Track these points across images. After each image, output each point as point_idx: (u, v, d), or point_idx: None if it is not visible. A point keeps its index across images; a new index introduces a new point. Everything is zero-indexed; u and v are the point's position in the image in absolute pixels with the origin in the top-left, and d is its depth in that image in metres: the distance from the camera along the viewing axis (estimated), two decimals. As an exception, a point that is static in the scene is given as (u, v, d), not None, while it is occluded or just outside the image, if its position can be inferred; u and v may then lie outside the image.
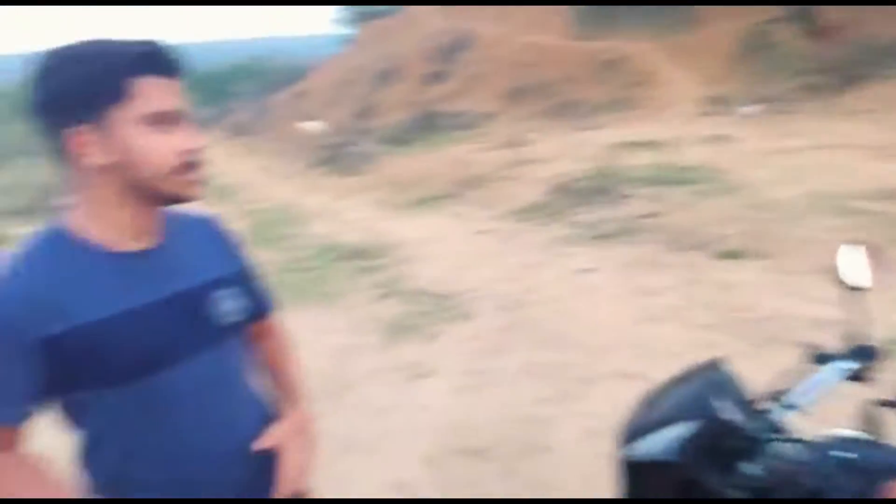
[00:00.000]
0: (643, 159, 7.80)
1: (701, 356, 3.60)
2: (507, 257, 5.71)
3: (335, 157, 12.03)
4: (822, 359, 1.29)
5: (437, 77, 15.33)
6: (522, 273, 5.23)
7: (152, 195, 0.94)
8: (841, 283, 1.37)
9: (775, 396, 1.30)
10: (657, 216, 5.86)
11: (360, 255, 6.14)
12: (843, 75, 9.69)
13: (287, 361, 1.26)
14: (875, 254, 1.40)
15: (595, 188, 6.99)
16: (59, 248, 0.92)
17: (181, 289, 0.99)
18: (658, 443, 1.21)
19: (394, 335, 4.28)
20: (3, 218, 9.50)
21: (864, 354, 1.27)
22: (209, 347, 1.01)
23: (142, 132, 0.90)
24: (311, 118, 15.20)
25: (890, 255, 4.27)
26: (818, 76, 9.97)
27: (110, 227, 0.94)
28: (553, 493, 2.65)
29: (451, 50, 15.57)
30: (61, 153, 0.92)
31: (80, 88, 0.88)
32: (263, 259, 1.12)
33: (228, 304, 1.06)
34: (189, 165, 0.93)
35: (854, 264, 1.38)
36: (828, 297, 4.07)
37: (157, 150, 0.90)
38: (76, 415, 0.96)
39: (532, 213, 6.98)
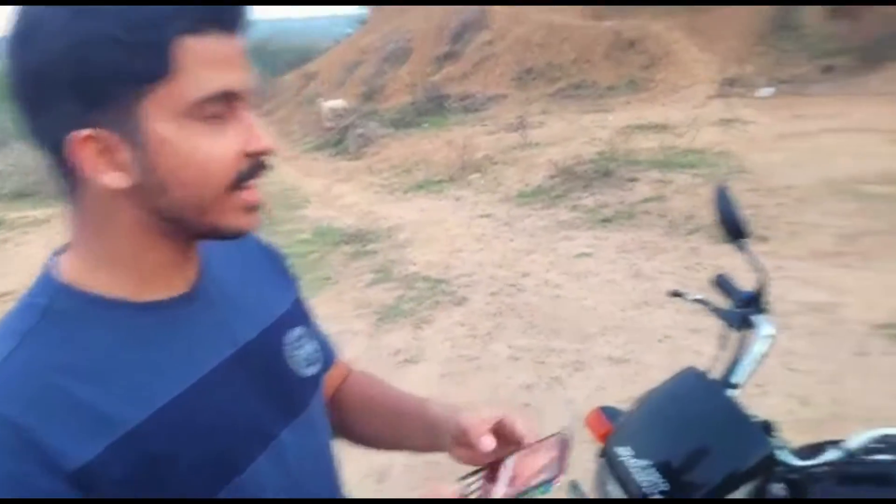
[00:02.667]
0: (651, 142, 7.61)
1: (692, 341, 3.47)
2: (505, 241, 5.61)
3: (339, 139, 11.94)
4: (735, 319, 1.33)
5: (447, 58, 15.12)
6: (519, 257, 5.13)
7: (194, 229, 0.61)
8: (722, 232, 1.36)
9: (730, 384, 1.27)
10: (660, 200, 5.71)
11: (357, 240, 6.06)
12: (864, 57, 9.37)
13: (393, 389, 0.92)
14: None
15: (600, 171, 6.83)
16: (63, 315, 0.59)
17: (247, 338, 0.68)
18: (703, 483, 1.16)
19: (385, 320, 4.21)
20: (2, 202, 9.56)
21: (753, 300, 1.35)
22: (299, 412, 0.72)
23: (189, 130, 0.56)
24: (320, 99, 15.09)
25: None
26: (839, 57, 9.66)
27: (132, 273, 0.61)
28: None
29: (465, 29, 15.33)
30: (57, 166, 0.58)
31: (87, 63, 0.53)
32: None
33: (307, 348, 0.76)
34: (253, 173, 0.61)
35: (731, 211, 1.34)
36: (822, 280, 3.93)
37: (212, 156, 0.57)
38: None
39: (535, 196, 6.85)
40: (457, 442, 0.74)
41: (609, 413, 1.47)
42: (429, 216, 6.76)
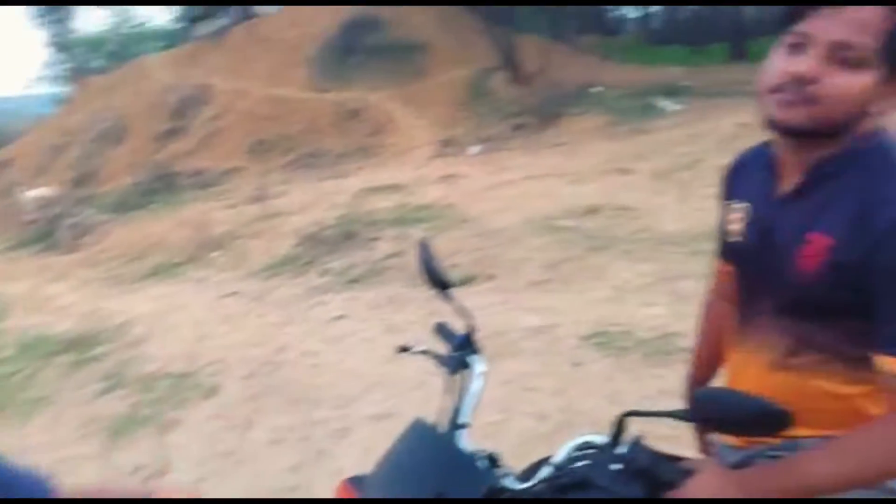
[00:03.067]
0: (386, 203, 8.11)
1: (440, 384, 3.70)
2: (256, 318, 5.39)
3: (48, 232, 10.36)
4: (453, 363, 1.39)
5: (171, 134, 14.28)
6: (273, 332, 4.97)
7: None
8: (427, 284, 1.46)
9: (459, 425, 1.35)
10: (401, 255, 6.09)
11: (77, 346, 5.25)
12: (542, 115, 11.36)
13: None
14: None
15: (343, 235, 7.04)
16: None
17: None
18: None
19: (120, 434, 3.68)
20: None
21: (465, 343, 1.42)
22: None
23: None
24: (19, 189, 12.95)
25: (587, 262, 4.85)
26: (524, 117, 11.54)
27: None
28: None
29: (185, 105, 14.68)
30: None
31: None
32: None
33: None
34: None
35: (432, 264, 1.45)
36: (539, 306, 4.55)
37: None
38: None
39: (282, 267, 6.74)
40: None
41: (356, 483, 1.47)
42: (167, 304, 6.18)
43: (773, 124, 1.00)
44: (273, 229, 8.13)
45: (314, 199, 9.21)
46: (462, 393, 1.39)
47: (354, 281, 5.82)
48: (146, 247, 8.76)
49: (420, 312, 4.76)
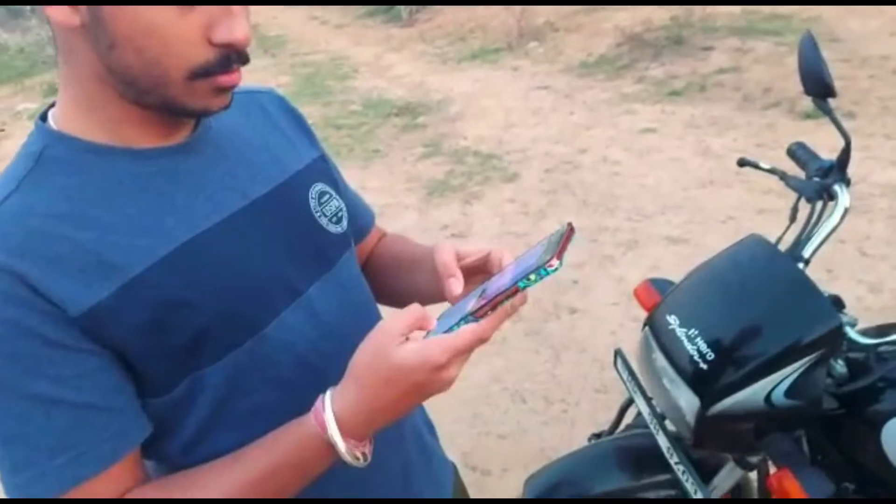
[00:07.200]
0: (731, 6, 6.85)
1: (757, 222, 3.30)
2: (563, 115, 5.32)
3: (390, 5, 11.31)
4: (812, 189, 1.22)
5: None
6: (577, 133, 4.88)
7: (149, 99, 0.56)
8: (805, 86, 1.21)
9: (798, 257, 1.16)
10: (736, 71, 5.22)
11: (407, 112, 5.88)
12: None
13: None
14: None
15: (672, 39, 6.26)
16: (57, 161, 0.56)
17: (260, 192, 0.64)
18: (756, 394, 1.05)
19: (434, 195, 4.16)
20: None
21: (833, 169, 1.23)
22: (328, 268, 0.68)
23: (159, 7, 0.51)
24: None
25: None
26: None
27: (108, 120, 0.57)
28: (576, 352, 2.60)
29: None
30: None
31: None
32: (308, 115, 0.84)
33: (333, 205, 0.72)
34: (225, 65, 0.55)
35: (817, 64, 1.16)
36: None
37: (172, 34, 0.52)
38: (160, 422, 0.60)
39: (598, 67, 6.39)
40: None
41: (659, 286, 1.40)
42: (483, 88, 6.45)
43: None
44: (594, 24, 7.60)
45: (645, -5, 8.23)
46: (812, 225, 1.21)
47: (674, 93, 5.26)
48: (470, 29, 9.04)
49: (745, 141, 4.15)
